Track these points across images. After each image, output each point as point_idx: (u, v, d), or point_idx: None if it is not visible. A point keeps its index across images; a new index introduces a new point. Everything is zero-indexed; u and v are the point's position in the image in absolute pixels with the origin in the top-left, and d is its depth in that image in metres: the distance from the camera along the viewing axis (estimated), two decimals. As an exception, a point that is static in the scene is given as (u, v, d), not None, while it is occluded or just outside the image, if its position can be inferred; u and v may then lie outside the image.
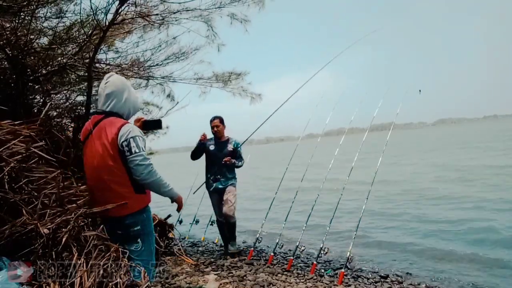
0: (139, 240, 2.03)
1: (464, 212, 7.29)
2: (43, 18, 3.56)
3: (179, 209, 2.24)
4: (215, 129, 4.36)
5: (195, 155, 4.34)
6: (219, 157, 4.33)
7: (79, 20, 3.42)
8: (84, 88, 4.46)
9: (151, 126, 2.35)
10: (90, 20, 3.51)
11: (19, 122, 2.36)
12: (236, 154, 4.42)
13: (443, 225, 6.45)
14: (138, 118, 2.30)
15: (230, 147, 4.38)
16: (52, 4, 3.45)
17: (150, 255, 2.10)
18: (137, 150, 1.94)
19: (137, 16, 3.56)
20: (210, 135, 4.54)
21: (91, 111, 2.19)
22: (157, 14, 3.71)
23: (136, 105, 2.17)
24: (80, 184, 2.64)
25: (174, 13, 3.74)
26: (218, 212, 4.48)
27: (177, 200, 2.18)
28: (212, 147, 4.35)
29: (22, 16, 3.31)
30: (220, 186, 4.38)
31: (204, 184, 4.64)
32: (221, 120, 4.42)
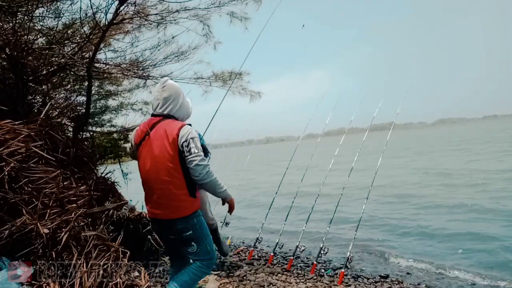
0: (193, 243, 2.05)
1: (462, 215, 7.29)
2: (42, 18, 3.56)
3: (231, 211, 2.25)
4: None
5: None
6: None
7: (78, 20, 3.41)
8: (84, 88, 4.46)
9: None
10: (90, 20, 3.51)
11: (19, 122, 2.36)
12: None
13: (443, 225, 6.45)
14: None
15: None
16: (51, 4, 3.45)
17: (208, 254, 2.11)
18: (196, 151, 1.99)
19: (136, 15, 3.56)
20: None
21: (152, 113, 2.14)
22: (156, 14, 3.70)
23: (188, 110, 2.25)
24: (80, 184, 2.64)
25: (173, 12, 3.74)
26: (210, 213, 3.84)
27: (229, 202, 2.19)
28: None
29: (21, 16, 3.31)
30: None
31: None
32: None
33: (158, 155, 1.97)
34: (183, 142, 1.97)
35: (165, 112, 2.09)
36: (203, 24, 3.99)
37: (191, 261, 2.05)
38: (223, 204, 2.22)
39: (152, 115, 2.11)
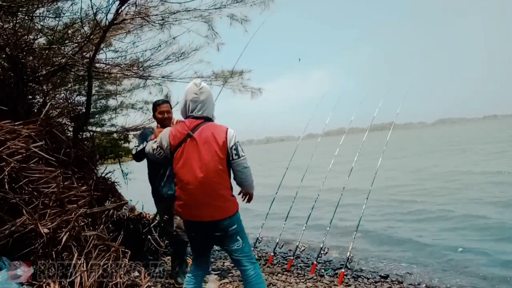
0: (238, 237, 2.08)
1: (461, 210, 7.30)
2: (43, 18, 3.56)
3: (250, 201, 2.37)
4: (166, 115, 3.13)
5: (140, 157, 3.00)
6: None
7: (79, 20, 3.41)
8: (84, 88, 4.46)
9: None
10: (90, 20, 3.51)
11: (19, 122, 2.36)
12: None
13: (443, 225, 6.45)
14: (178, 120, 2.32)
15: None
16: (51, 4, 3.45)
17: (250, 249, 2.17)
18: (243, 154, 2.07)
19: (137, 16, 3.56)
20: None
21: (189, 115, 2.11)
22: (157, 15, 3.70)
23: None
24: (80, 184, 2.64)
25: (174, 13, 3.74)
26: (169, 222, 3.24)
27: (252, 195, 2.35)
28: None
29: (21, 16, 3.31)
30: (171, 192, 3.07)
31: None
32: (171, 105, 3.34)
33: (208, 158, 1.97)
34: (232, 146, 2.03)
35: (204, 114, 2.10)
36: (207, 25, 3.98)
37: (238, 259, 2.08)
38: (244, 197, 2.33)
39: (192, 117, 2.09)
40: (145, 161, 3.03)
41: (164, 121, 3.17)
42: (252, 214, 8.90)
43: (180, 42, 4.42)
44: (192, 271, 2.17)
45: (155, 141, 2.16)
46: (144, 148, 2.89)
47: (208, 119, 2.12)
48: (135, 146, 3.00)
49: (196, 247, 2.18)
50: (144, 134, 3.10)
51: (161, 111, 3.15)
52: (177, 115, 5.00)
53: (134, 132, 5.00)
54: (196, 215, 2.02)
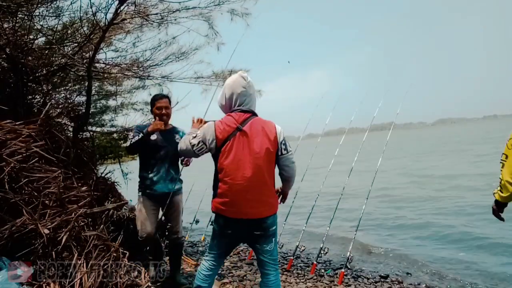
0: (273, 239, 2.05)
1: (459, 214, 7.30)
2: (43, 18, 3.56)
3: (284, 200, 2.36)
4: (164, 111, 3.09)
5: (134, 149, 3.03)
6: (168, 151, 3.11)
7: (78, 19, 3.41)
8: (84, 88, 4.46)
9: None
10: (90, 19, 3.50)
11: (19, 122, 2.36)
12: None
13: (443, 226, 6.45)
14: (199, 119, 2.28)
15: (178, 138, 3.17)
16: (51, 4, 3.44)
17: (277, 254, 2.14)
18: (290, 149, 2.05)
19: (136, 15, 3.56)
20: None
21: (237, 108, 2.02)
22: (156, 14, 3.70)
23: None
24: (80, 184, 2.64)
25: (173, 12, 3.74)
26: (151, 226, 3.03)
27: (287, 194, 2.32)
28: (154, 137, 3.07)
29: (21, 16, 3.31)
30: (166, 190, 3.08)
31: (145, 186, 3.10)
32: (170, 101, 3.28)
33: (260, 152, 1.92)
34: (282, 141, 2.01)
35: (251, 108, 2.05)
36: (207, 24, 3.97)
37: (266, 262, 2.05)
38: (280, 196, 2.30)
39: (240, 110, 2.01)
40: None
41: (162, 116, 3.10)
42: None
43: (180, 42, 4.43)
44: (209, 269, 2.08)
45: (195, 136, 2.02)
46: (138, 140, 2.90)
47: (254, 113, 2.06)
48: (129, 139, 2.97)
49: (227, 246, 2.09)
50: (141, 127, 3.07)
51: (159, 106, 3.07)
52: (179, 113, 4.94)
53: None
54: (243, 212, 1.93)
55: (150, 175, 3.03)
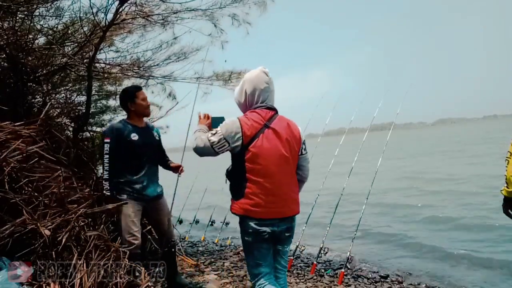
0: (291, 240, 2.01)
1: (460, 211, 7.30)
2: (42, 18, 3.56)
3: None
4: (148, 103, 2.86)
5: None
6: (152, 150, 2.91)
7: (78, 19, 3.41)
8: (84, 88, 4.46)
9: (217, 123, 1.97)
10: (90, 20, 3.51)
11: (19, 123, 2.35)
12: (162, 147, 3.09)
13: (443, 226, 6.45)
14: (206, 115, 2.11)
15: (156, 135, 2.97)
16: (51, 4, 3.45)
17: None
18: (307, 149, 2.03)
19: (137, 16, 3.56)
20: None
21: (264, 105, 1.91)
22: (158, 14, 3.70)
23: None
24: (80, 184, 2.64)
25: (175, 12, 3.74)
26: (139, 234, 2.76)
27: None
28: (135, 137, 2.75)
29: (21, 16, 3.31)
30: (155, 193, 2.85)
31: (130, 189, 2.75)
32: None
33: (288, 150, 1.87)
34: (303, 140, 2.00)
35: (274, 105, 1.97)
36: (211, 23, 3.96)
37: (282, 262, 1.96)
38: None
39: (265, 107, 1.91)
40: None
41: (146, 109, 2.86)
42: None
43: (182, 42, 4.42)
44: (268, 277, 1.86)
45: (214, 133, 1.83)
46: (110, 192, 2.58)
47: (277, 111, 1.98)
48: (105, 152, 2.63)
49: (269, 251, 1.89)
50: (117, 128, 2.72)
51: (144, 98, 2.81)
52: (179, 113, 4.88)
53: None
54: (279, 211, 1.83)
55: (141, 178, 2.75)
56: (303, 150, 1.98)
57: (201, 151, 1.85)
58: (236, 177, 1.86)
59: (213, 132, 1.84)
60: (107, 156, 2.64)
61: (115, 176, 2.69)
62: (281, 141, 1.85)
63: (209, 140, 1.82)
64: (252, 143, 1.80)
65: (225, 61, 4.74)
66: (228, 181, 1.96)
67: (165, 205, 3.01)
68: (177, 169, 3.06)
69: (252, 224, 1.81)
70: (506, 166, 1.99)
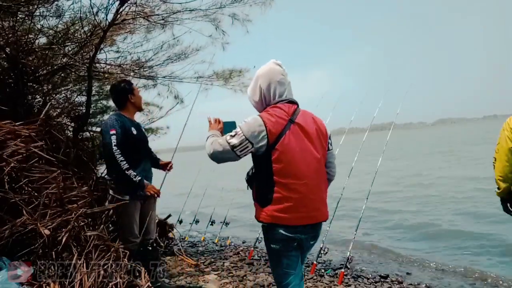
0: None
1: (460, 215, 7.31)
2: (43, 18, 3.56)
3: None
4: (140, 97, 2.89)
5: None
6: (144, 146, 2.88)
7: (79, 19, 3.41)
8: (84, 88, 4.46)
9: (229, 128, 1.85)
10: (91, 20, 3.51)
11: (19, 123, 2.35)
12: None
13: (443, 227, 6.46)
14: (217, 119, 1.94)
15: (143, 130, 2.99)
16: (52, 4, 3.44)
17: None
18: (332, 145, 1.87)
19: (138, 16, 3.56)
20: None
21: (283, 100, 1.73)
22: (158, 15, 3.70)
23: None
24: (80, 184, 2.64)
25: (175, 13, 3.74)
26: (137, 229, 2.74)
27: None
28: (134, 131, 2.73)
29: (22, 16, 3.31)
30: (143, 193, 2.74)
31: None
32: None
33: (318, 147, 1.71)
34: (330, 135, 1.83)
35: (293, 98, 1.77)
36: (211, 24, 3.96)
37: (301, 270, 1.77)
38: None
39: (287, 101, 1.72)
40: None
41: (141, 103, 2.89)
42: (252, 214, 8.89)
43: (183, 42, 4.43)
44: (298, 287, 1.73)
45: (234, 135, 1.62)
46: (131, 179, 2.49)
47: (298, 104, 1.79)
48: (113, 144, 2.52)
49: (298, 261, 1.72)
50: (119, 119, 2.66)
51: (138, 90, 2.83)
52: (179, 113, 4.88)
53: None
54: (310, 216, 1.67)
55: (131, 172, 2.61)
56: (329, 146, 1.81)
57: (219, 156, 1.65)
58: (261, 181, 1.68)
59: (232, 133, 1.64)
60: (116, 148, 2.52)
61: (114, 172, 2.63)
62: (309, 137, 1.68)
63: (228, 143, 1.61)
64: (279, 141, 1.61)
65: (254, 66, 4.71)
66: (249, 188, 1.80)
67: (154, 203, 2.95)
68: (166, 166, 2.97)
69: (281, 231, 1.63)
70: (494, 170, 2.16)
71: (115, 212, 2.82)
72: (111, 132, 2.55)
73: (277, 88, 1.72)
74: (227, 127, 1.86)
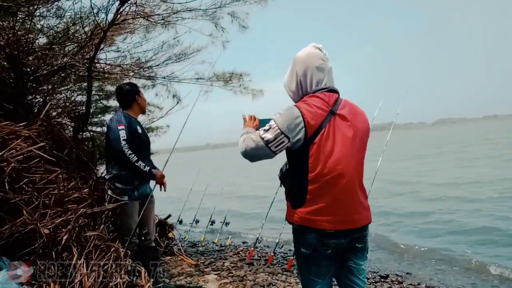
0: (366, 251, 1.59)
1: (461, 214, 7.31)
2: (43, 18, 3.56)
3: None
4: (142, 97, 2.90)
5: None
6: (147, 147, 2.90)
7: (79, 19, 3.42)
8: (84, 88, 4.47)
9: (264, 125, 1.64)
10: (91, 20, 3.51)
11: (20, 124, 2.36)
12: None
13: (443, 226, 6.45)
14: (252, 116, 1.77)
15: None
16: (52, 4, 3.45)
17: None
18: None
19: (138, 16, 3.56)
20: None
21: (325, 87, 1.53)
22: (158, 14, 3.71)
23: None
24: (80, 184, 2.65)
25: (175, 13, 3.74)
26: (137, 230, 2.75)
27: None
28: (139, 130, 2.75)
29: (22, 16, 3.31)
30: (149, 191, 2.82)
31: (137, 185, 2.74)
32: None
33: (361, 142, 1.53)
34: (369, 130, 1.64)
35: (335, 87, 1.56)
36: (211, 23, 3.97)
37: (359, 283, 1.53)
38: None
39: (327, 90, 1.52)
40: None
41: (145, 108, 2.91)
42: (251, 215, 8.91)
43: (183, 42, 4.43)
44: None
45: (268, 129, 1.46)
46: (142, 170, 2.49)
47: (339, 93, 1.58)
48: (122, 138, 2.51)
49: (328, 270, 1.52)
50: (126, 117, 2.63)
51: (143, 98, 2.87)
52: (180, 113, 4.86)
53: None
54: (349, 220, 1.47)
55: (134, 173, 2.62)
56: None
57: (253, 154, 1.50)
58: (295, 179, 1.51)
59: (266, 128, 1.47)
60: (125, 142, 2.51)
61: (122, 168, 2.61)
62: (352, 131, 1.49)
63: (262, 139, 1.46)
64: (318, 135, 1.43)
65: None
66: (282, 185, 1.65)
67: (152, 207, 2.91)
68: (160, 179, 2.81)
69: (314, 235, 1.46)
70: None
71: (113, 213, 2.82)
72: (120, 127, 2.54)
73: (315, 74, 1.53)
74: (264, 124, 1.63)
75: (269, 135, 1.44)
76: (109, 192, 2.64)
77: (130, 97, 2.81)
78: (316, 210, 1.44)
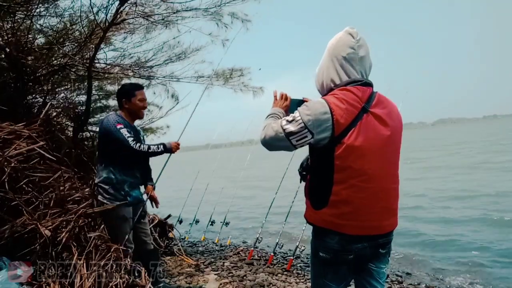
0: (389, 257, 1.50)
1: (462, 213, 7.31)
2: (42, 17, 3.56)
3: None
4: (145, 104, 2.69)
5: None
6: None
7: (79, 19, 3.42)
8: (84, 87, 4.47)
9: (295, 107, 1.45)
10: (91, 20, 3.51)
11: (20, 124, 2.36)
12: None
13: (443, 226, 6.46)
14: (284, 95, 1.59)
15: (142, 139, 2.81)
16: (52, 4, 3.45)
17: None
18: None
19: (138, 16, 3.56)
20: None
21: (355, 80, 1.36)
22: (158, 14, 3.71)
23: None
24: (80, 184, 2.65)
25: (175, 12, 3.74)
26: (131, 235, 2.62)
27: None
28: (131, 133, 2.56)
29: (21, 16, 3.31)
30: (141, 196, 2.73)
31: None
32: None
33: (396, 143, 1.40)
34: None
35: (369, 79, 1.40)
36: (213, 20, 3.97)
37: (378, 286, 1.45)
38: None
39: (361, 83, 1.35)
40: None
41: (142, 110, 2.67)
42: (252, 214, 8.91)
43: (183, 42, 4.43)
44: None
45: (291, 120, 1.31)
46: (158, 152, 2.43)
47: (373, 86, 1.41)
48: (127, 136, 2.41)
49: (346, 276, 1.44)
50: (123, 121, 2.52)
51: (141, 98, 2.60)
52: (180, 113, 4.83)
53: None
54: (375, 225, 1.36)
55: (132, 179, 2.57)
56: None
57: (271, 143, 1.35)
58: (318, 177, 1.39)
59: (289, 118, 1.32)
60: (132, 138, 2.42)
61: (103, 173, 2.49)
62: (385, 130, 1.34)
63: (284, 129, 1.30)
64: (347, 134, 1.27)
65: (259, 69, 4.66)
66: (302, 181, 1.54)
67: (147, 214, 2.82)
68: (176, 148, 2.65)
69: (336, 239, 1.35)
70: None
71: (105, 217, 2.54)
72: (119, 127, 2.43)
73: (344, 65, 1.36)
74: (294, 105, 1.50)
75: (291, 127, 1.30)
76: (100, 198, 2.48)
77: (118, 99, 2.66)
78: (342, 213, 1.32)
